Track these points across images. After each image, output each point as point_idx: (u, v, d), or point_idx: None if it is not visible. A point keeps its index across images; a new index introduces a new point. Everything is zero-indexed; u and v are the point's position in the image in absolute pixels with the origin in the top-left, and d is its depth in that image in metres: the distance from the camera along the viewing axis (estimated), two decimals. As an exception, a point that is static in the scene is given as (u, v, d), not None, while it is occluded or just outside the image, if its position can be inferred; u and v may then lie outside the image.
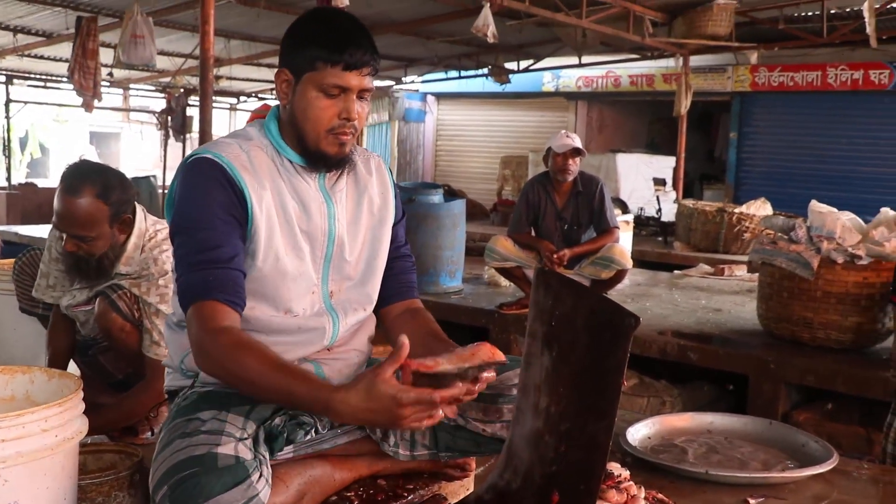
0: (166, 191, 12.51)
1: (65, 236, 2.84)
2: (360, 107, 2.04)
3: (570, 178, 5.92)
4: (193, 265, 1.94)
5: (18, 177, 18.70)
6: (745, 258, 8.73)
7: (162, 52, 10.42)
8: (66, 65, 10.64)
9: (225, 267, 1.94)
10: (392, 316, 2.31)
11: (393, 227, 2.29)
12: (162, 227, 3.05)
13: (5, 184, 14.27)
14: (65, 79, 12.19)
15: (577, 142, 5.88)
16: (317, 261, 2.13)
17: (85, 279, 2.97)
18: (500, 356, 1.78)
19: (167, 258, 2.95)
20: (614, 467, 2.43)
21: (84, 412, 1.96)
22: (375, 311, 2.32)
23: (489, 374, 1.77)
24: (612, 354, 1.58)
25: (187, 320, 1.95)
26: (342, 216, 2.15)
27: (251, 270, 2.04)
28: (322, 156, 2.06)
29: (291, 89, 2.04)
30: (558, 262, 5.73)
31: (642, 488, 2.38)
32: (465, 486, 2.28)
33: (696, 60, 12.25)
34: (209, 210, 1.96)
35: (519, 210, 6.18)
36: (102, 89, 8.66)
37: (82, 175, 2.83)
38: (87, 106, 8.85)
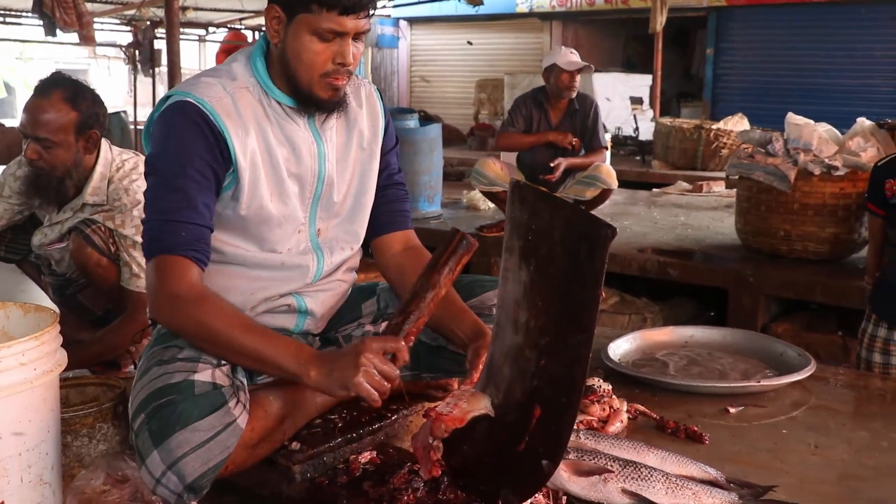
0: (139, 126, 12.33)
1: (28, 145, 2.80)
2: (356, 47, 1.96)
3: (574, 96, 5.91)
4: (167, 213, 1.90)
5: (-15, 118, 18.37)
6: (723, 174, 8.76)
7: (126, -16, 10.16)
8: (27, -1, 10.36)
9: (198, 223, 1.91)
10: (389, 254, 2.27)
11: (385, 154, 2.25)
12: (128, 157, 3.01)
13: (-28, 125, 13.99)
14: (27, 14, 11.87)
15: (580, 60, 5.86)
16: (305, 201, 2.10)
17: (44, 198, 2.93)
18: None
19: (138, 187, 2.92)
20: (596, 382, 2.46)
21: (64, 347, 1.95)
22: (368, 240, 2.29)
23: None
24: (590, 266, 1.57)
25: (151, 269, 1.91)
26: (331, 154, 2.11)
27: (235, 215, 2.01)
28: (315, 100, 2.00)
29: (283, 28, 1.94)
30: (555, 170, 5.78)
31: (624, 402, 2.41)
32: (449, 406, 2.29)
33: (671, -25, 12.05)
34: (189, 159, 1.90)
35: (512, 117, 6.13)
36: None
37: (54, 81, 2.85)
38: (88, 40, 8.56)
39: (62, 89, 2.80)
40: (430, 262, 1.96)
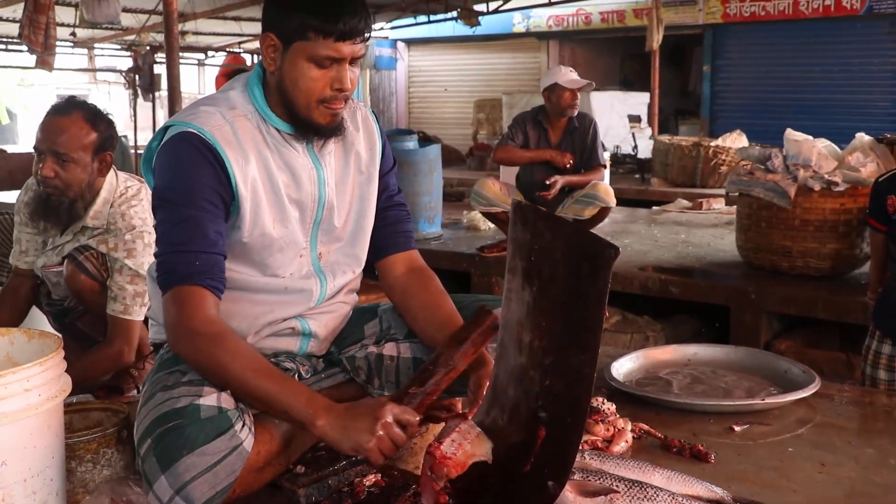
0: (140, 151, 12.36)
1: (42, 164, 2.81)
2: (352, 72, 1.97)
3: (575, 114, 5.94)
4: (178, 244, 1.90)
5: (-14, 144, 18.41)
6: (722, 191, 8.77)
7: (126, 9, 10.21)
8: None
9: (210, 251, 1.91)
10: (394, 274, 2.27)
11: (384, 176, 2.25)
12: (133, 184, 3.02)
13: (-27, 151, 14.01)
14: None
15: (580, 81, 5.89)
16: (306, 226, 2.10)
17: (54, 221, 2.93)
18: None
19: (135, 213, 2.93)
20: (600, 402, 2.45)
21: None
22: (371, 262, 2.29)
23: None
24: (593, 286, 1.57)
25: (168, 301, 1.91)
26: (331, 179, 2.11)
27: (237, 241, 2.01)
28: (313, 126, 2.00)
29: (280, 56, 1.94)
30: (552, 187, 5.78)
31: (629, 421, 2.41)
32: (453, 427, 2.29)
33: (666, -6, 12.14)
34: (196, 189, 1.90)
35: (511, 132, 6.14)
36: (67, 50, 8.34)
37: (74, 103, 2.88)
38: (45, 64, 8.47)
39: (83, 110, 2.84)
40: (455, 335, 1.97)
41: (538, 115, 6.08)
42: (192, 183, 1.91)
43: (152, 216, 2.03)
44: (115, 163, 3.01)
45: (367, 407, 1.79)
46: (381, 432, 1.74)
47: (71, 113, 2.82)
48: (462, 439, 1.76)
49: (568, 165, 5.87)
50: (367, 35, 1.95)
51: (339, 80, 1.94)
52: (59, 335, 2.02)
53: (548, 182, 5.82)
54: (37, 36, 7.76)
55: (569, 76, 5.86)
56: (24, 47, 12.95)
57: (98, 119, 2.86)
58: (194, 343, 1.87)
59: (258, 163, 1.99)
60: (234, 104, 2.01)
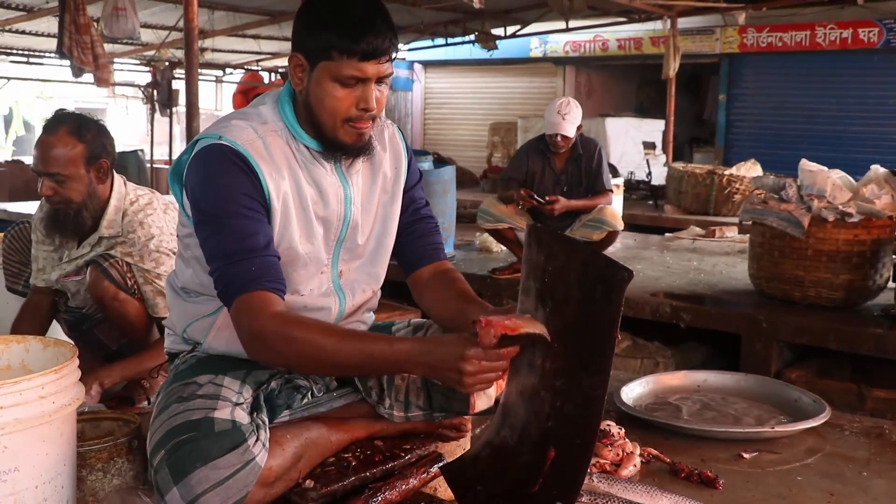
0: (156, 165, 12.39)
1: (41, 184, 2.86)
2: (380, 91, 1.97)
3: (562, 152, 5.92)
4: (231, 255, 1.89)
5: (4, 154, 18.60)
6: (735, 219, 8.76)
7: (145, 25, 10.31)
8: (48, 39, 10.53)
9: (263, 255, 1.91)
10: (423, 281, 2.25)
11: (409, 191, 2.25)
12: (143, 193, 3.06)
13: (-8, 161, 14.16)
14: (49, 54, 12.06)
15: (569, 123, 5.77)
16: (329, 243, 2.10)
17: (66, 233, 2.97)
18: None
19: (152, 222, 2.97)
20: (610, 425, 2.45)
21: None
22: (403, 278, 2.29)
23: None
24: (606, 308, 1.58)
25: (234, 313, 1.89)
26: (357, 198, 2.12)
27: None
28: (340, 145, 2.00)
29: (306, 75, 1.95)
30: (551, 206, 5.74)
31: (637, 446, 2.41)
32: (462, 446, 2.30)
33: (683, 22, 12.18)
34: (235, 198, 1.90)
35: (507, 173, 6.16)
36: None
37: (58, 118, 2.91)
38: (103, 81, 8.61)
39: (66, 125, 2.87)
40: None
41: (540, 144, 6.05)
42: (230, 192, 1.90)
43: (188, 228, 2.03)
44: (130, 176, 3.04)
45: (450, 356, 1.75)
46: (469, 382, 1.74)
47: (56, 130, 2.85)
48: (513, 315, 1.74)
49: (524, 203, 5.81)
50: (392, 55, 1.95)
51: (365, 99, 1.94)
52: (74, 344, 2.04)
53: (547, 198, 5.77)
54: (87, 56, 7.88)
55: (552, 118, 5.78)
56: (44, 60, 13.18)
57: (83, 129, 2.88)
58: (266, 338, 1.84)
59: (290, 178, 1.99)
60: (266, 119, 2.01)
